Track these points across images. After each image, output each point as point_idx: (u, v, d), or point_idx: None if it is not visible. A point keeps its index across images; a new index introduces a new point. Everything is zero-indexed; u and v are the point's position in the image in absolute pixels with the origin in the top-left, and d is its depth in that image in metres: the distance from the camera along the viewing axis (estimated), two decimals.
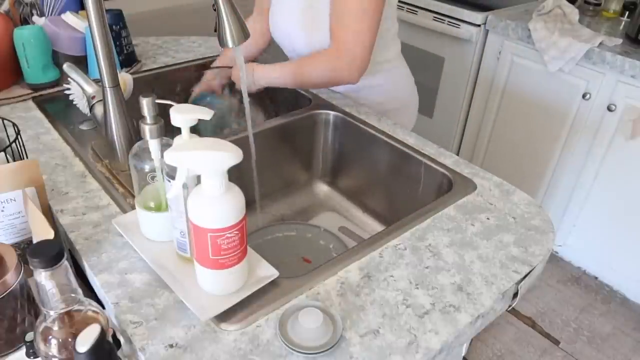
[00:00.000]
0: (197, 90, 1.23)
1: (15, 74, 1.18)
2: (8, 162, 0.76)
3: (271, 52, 1.36)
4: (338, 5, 1.01)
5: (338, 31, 1.02)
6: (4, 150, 0.76)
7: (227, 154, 0.54)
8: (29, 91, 1.15)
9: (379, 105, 1.21)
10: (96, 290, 0.69)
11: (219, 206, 0.56)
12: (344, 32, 1.01)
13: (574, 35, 1.71)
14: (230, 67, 1.18)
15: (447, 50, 2.08)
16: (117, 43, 1.28)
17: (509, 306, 0.74)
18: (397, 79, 1.25)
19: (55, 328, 0.54)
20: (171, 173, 0.61)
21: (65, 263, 0.52)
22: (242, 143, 0.87)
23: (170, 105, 0.62)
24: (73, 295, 0.53)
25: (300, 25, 1.12)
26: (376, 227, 1.08)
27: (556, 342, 1.76)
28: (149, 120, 0.64)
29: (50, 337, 0.54)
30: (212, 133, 1.16)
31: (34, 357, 0.58)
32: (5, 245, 0.66)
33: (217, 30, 0.93)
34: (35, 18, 1.26)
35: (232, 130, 1.17)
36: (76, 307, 0.54)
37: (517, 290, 0.72)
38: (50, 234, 0.63)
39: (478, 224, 0.81)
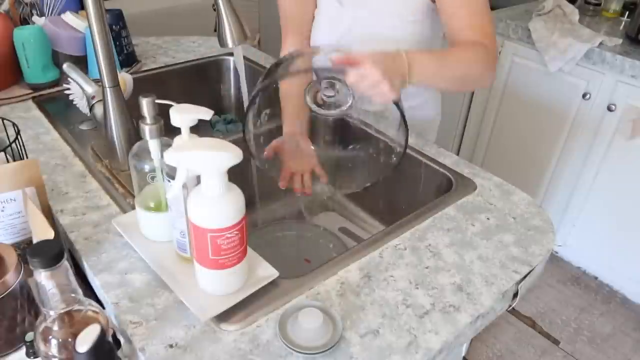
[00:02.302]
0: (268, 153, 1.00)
1: (15, 74, 1.18)
2: (8, 162, 0.75)
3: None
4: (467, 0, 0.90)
5: (483, 25, 0.90)
6: (4, 150, 0.76)
7: (227, 154, 0.54)
8: (29, 91, 1.15)
9: (410, 126, 1.15)
10: (96, 290, 0.69)
11: (218, 206, 0.56)
12: (488, 24, 0.91)
13: (574, 35, 1.71)
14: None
15: None
16: (117, 43, 1.28)
17: (509, 306, 0.73)
18: (429, 96, 1.20)
19: (55, 328, 0.54)
20: (171, 173, 0.61)
21: (65, 263, 0.52)
22: (242, 143, 0.87)
23: (170, 105, 0.62)
24: (73, 295, 0.53)
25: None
26: (376, 227, 1.08)
27: (556, 342, 1.76)
28: (149, 120, 0.64)
29: (50, 337, 0.54)
30: None
31: (34, 357, 0.58)
32: (5, 245, 0.66)
33: (217, 30, 0.93)
34: (35, 18, 1.26)
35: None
36: (76, 307, 0.54)
37: (517, 290, 0.72)
38: (50, 234, 0.63)
39: (478, 224, 0.81)
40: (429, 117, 1.20)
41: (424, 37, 1.02)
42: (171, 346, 0.59)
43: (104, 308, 0.64)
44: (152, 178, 0.68)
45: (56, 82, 1.19)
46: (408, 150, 1.00)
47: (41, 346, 0.54)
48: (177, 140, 0.62)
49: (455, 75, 0.89)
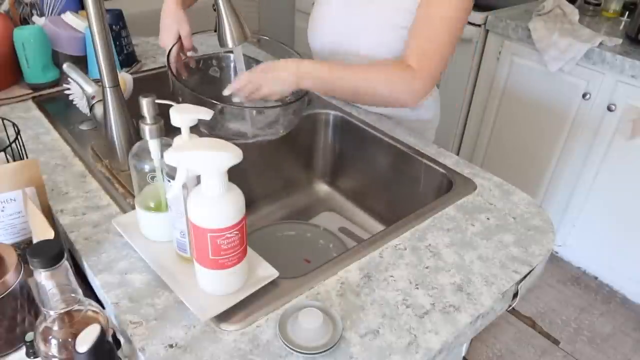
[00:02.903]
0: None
1: (15, 74, 1.18)
2: (8, 162, 0.75)
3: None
4: (430, 17, 0.92)
5: (425, 49, 0.92)
6: (4, 150, 0.76)
7: (227, 154, 0.54)
8: (29, 91, 1.15)
9: (410, 122, 1.16)
10: (96, 290, 0.69)
11: (218, 206, 0.56)
12: (433, 53, 0.92)
13: (574, 35, 1.71)
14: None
15: None
16: (117, 43, 1.28)
17: (509, 306, 0.74)
18: (430, 98, 1.20)
19: (55, 328, 0.54)
20: (171, 173, 0.61)
21: (65, 263, 0.52)
22: (242, 143, 0.87)
23: (170, 105, 0.62)
24: (73, 295, 0.53)
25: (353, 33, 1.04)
26: (376, 227, 1.08)
27: (556, 342, 1.76)
28: (149, 120, 0.64)
29: (50, 337, 0.54)
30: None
31: (34, 357, 0.58)
32: (5, 245, 0.66)
33: (217, 30, 0.93)
34: (35, 18, 1.26)
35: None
36: (76, 307, 0.54)
37: (517, 290, 0.72)
38: (50, 234, 0.63)
39: (478, 224, 0.81)
40: (426, 117, 1.21)
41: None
42: (171, 346, 0.59)
43: (104, 308, 0.64)
44: (152, 178, 0.68)
45: (56, 82, 1.19)
46: (408, 150, 1.00)
47: (41, 346, 0.54)
48: (177, 140, 0.62)
49: (350, 90, 0.96)
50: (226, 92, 0.91)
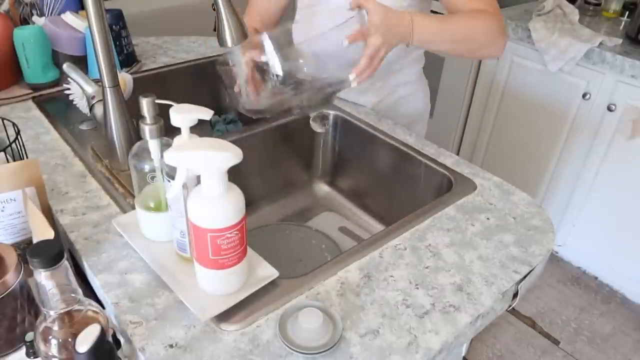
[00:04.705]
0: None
1: (15, 74, 1.18)
2: (8, 162, 0.76)
3: None
4: None
5: (483, 3, 0.93)
6: (4, 150, 0.76)
7: (227, 154, 0.54)
8: (29, 91, 1.15)
9: (401, 116, 1.18)
10: (96, 290, 0.69)
11: (218, 206, 0.56)
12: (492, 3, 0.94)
13: (574, 35, 1.71)
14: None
15: None
16: (117, 43, 1.28)
17: (509, 306, 0.74)
18: (419, 88, 1.23)
19: (55, 328, 0.54)
20: (171, 173, 0.61)
21: (65, 263, 0.52)
22: (242, 143, 0.87)
23: (170, 105, 0.62)
24: (73, 295, 0.53)
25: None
26: (376, 227, 1.08)
27: (556, 342, 1.76)
28: (149, 120, 0.64)
29: (50, 337, 0.54)
30: None
31: (34, 357, 0.58)
32: (5, 245, 0.66)
33: (217, 30, 0.93)
34: (35, 18, 1.26)
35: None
36: (76, 307, 0.54)
37: (517, 290, 0.72)
38: (50, 234, 0.63)
39: (478, 224, 0.81)
40: (418, 108, 1.22)
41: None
42: (171, 346, 0.59)
43: (104, 308, 0.64)
44: (152, 178, 0.68)
45: (56, 82, 1.19)
46: (408, 150, 1.00)
47: (41, 346, 0.54)
48: (177, 140, 0.62)
49: (457, 37, 0.92)
50: (352, 76, 0.87)
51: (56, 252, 0.50)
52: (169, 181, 0.63)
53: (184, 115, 0.60)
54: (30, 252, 0.50)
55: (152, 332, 0.60)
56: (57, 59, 1.21)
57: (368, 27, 0.84)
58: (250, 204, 1.07)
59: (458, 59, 2.05)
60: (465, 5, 0.95)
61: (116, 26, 1.27)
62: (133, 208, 0.77)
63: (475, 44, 0.95)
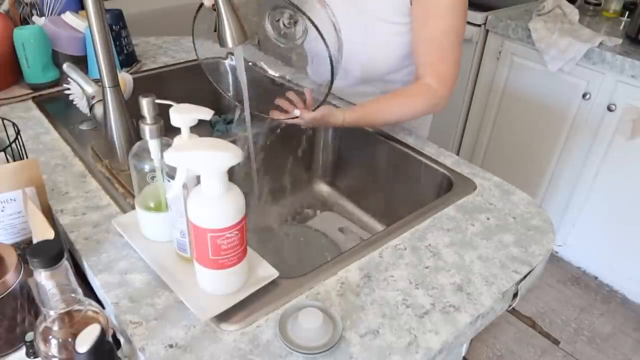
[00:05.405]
0: None
1: (15, 74, 1.18)
2: (8, 162, 0.75)
3: None
4: (433, 35, 0.96)
5: (438, 66, 0.98)
6: (4, 150, 0.76)
7: (227, 154, 0.54)
8: (29, 91, 1.15)
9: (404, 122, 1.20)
10: (96, 290, 0.69)
11: (218, 206, 0.56)
12: (446, 67, 0.98)
13: (574, 35, 1.71)
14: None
15: None
16: (117, 43, 1.28)
17: (509, 306, 0.74)
18: None
19: (55, 328, 0.54)
20: (171, 173, 0.61)
21: (65, 263, 0.52)
22: (242, 143, 0.87)
23: (170, 105, 0.62)
24: (73, 295, 0.53)
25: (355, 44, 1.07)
26: (376, 227, 1.08)
27: (556, 342, 1.76)
28: (149, 120, 0.64)
29: (50, 337, 0.54)
30: None
31: (34, 357, 0.58)
32: (5, 245, 0.66)
33: (217, 31, 0.93)
34: (35, 18, 1.26)
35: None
36: (76, 307, 0.54)
37: (517, 290, 0.72)
38: (50, 234, 0.63)
39: (478, 224, 0.81)
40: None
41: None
42: (171, 346, 0.59)
43: (104, 308, 0.64)
44: (152, 178, 0.68)
45: (56, 82, 1.19)
46: (408, 150, 1.00)
47: (41, 346, 0.54)
48: (177, 140, 0.62)
49: (391, 121, 1.03)
50: (276, 117, 0.97)
51: (56, 252, 0.50)
52: (169, 181, 0.63)
53: (184, 115, 0.60)
54: (30, 252, 0.50)
55: (152, 332, 0.60)
56: (57, 59, 1.21)
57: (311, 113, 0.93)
58: (250, 204, 1.07)
59: None
60: (418, 68, 1.00)
61: (116, 26, 1.27)
62: (133, 208, 0.77)
63: (407, 119, 1.05)
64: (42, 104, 1.12)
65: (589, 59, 1.68)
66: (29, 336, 0.58)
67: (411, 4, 0.98)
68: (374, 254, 0.74)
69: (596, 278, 2.02)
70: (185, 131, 0.61)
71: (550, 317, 1.86)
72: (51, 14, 1.30)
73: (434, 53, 0.98)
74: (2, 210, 0.71)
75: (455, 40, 0.97)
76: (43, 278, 0.51)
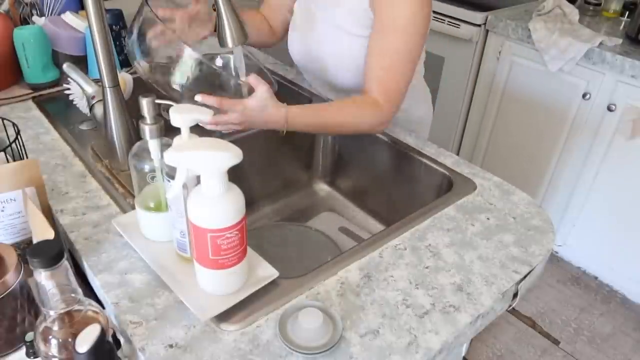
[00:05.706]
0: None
1: (15, 74, 1.18)
2: (8, 162, 0.76)
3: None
4: (386, 49, 0.95)
5: (387, 82, 0.96)
6: (4, 150, 0.76)
7: (227, 154, 0.54)
8: (29, 91, 1.15)
9: (402, 125, 1.17)
10: (96, 290, 0.69)
11: (218, 206, 0.56)
12: (395, 85, 0.96)
13: (574, 35, 1.71)
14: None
15: (447, 50, 2.07)
16: (117, 43, 1.28)
17: (509, 306, 0.74)
18: (418, 98, 1.22)
19: (55, 328, 0.54)
20: (171, 173, 0.61)
21: (65, 263, 0.52)
22: (242, 143, 0.87)
23: (170, 105, 0.62)
24: (73, 295, 0.53)
25: (332, 56, 1.08)
26: (376, 227, 1.08)
27: (556, 342, 1.76)
28: (148, 120, 0.64)
29: (50, 337, 0.54)
30: None
31: (34, 357, 0.58)
32: (5, 245, 0.66)
33: (217, 30, 0.93)
34: (35, 18, 1.26)
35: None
36: (76, 307, 0.54)
37: (517, 290, 0.72)
38: (50, 234, 0.63)
39: (478, 224, 0.81)
40: (420, 115, 1.22)
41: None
42: (171, 346, 0.59)
43: (104, 308, 0.64)
44: (152, 178, 0.68)
45: (56, 82, 1.19)
46: (408, 150, 1.00)
47: (41, 346, 0.54)
48: (177, 140, 0.62)
49: (330, 129, 1.02)
50: (210, 123, 0.85)
51: (56, 252, 0.50)
52: (169, 181, 0.63)
53: (184, 115, 0.60)
54: (30, 252, 0.50)
55: (152, 332, 0.60)
56: (57, 59, 1.21)
57: (241, 103, 0.84)
58: (250, 204, 1.07)
59: (458, 59, 2.05)
60: (367, 82, 0.97)
61: (116, 26, 1.27)
62: (133, 208, 0.77)
63: (347, 132, 1.02)
64: (42, 104, 1.12)
65: (589, 59, 1.68)
66: (29, 336, 0.58)
67: (374, 17, 0.97)
68: (374, 254, 0.74)
69: (596, 278, 2.02)
70: (185, 131, 0.61)
71: (550, 317, 1.86)
72: (51, 14, 1.30)
73: (384, 68, 0.95)
74: (2, 210, 0.71)
75: (407, 59, 0.95)
76: (43, 278, 0.51)
